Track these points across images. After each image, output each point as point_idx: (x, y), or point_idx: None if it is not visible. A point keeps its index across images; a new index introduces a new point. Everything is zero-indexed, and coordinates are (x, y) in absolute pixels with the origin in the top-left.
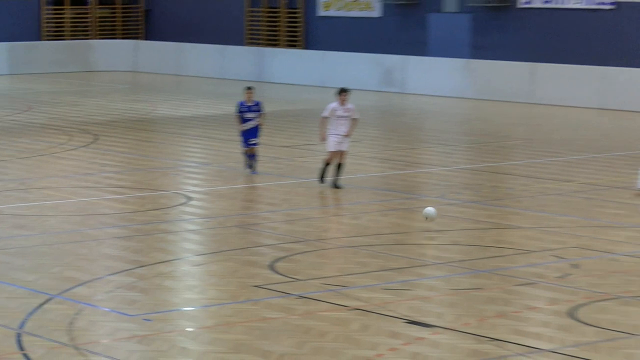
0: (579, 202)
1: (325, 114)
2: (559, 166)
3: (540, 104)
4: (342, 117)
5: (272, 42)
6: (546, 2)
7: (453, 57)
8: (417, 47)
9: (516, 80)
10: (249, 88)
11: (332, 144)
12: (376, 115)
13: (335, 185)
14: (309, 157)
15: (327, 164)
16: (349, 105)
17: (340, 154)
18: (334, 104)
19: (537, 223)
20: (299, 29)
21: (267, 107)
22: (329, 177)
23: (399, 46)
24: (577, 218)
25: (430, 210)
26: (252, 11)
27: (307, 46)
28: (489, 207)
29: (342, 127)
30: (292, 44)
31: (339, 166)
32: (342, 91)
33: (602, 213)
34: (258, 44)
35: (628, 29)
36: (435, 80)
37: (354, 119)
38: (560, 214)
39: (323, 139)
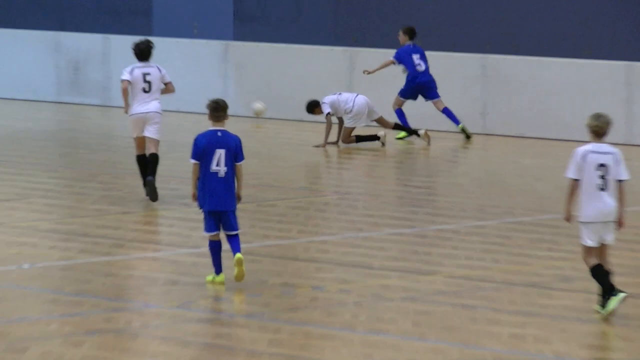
0: (451, 315)
1: (126, 76)
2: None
3: None
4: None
5: None
6: None
7: None
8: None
9: None
10: None
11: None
12: None
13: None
14: None
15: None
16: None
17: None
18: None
19: None
20: None
21: None
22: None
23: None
24: (455, 345)
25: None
26: None
27: None
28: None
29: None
30: None
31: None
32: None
33: (495, 334)
34: None
35: None
36: None
37: (166, 83)
38: (429, 338)
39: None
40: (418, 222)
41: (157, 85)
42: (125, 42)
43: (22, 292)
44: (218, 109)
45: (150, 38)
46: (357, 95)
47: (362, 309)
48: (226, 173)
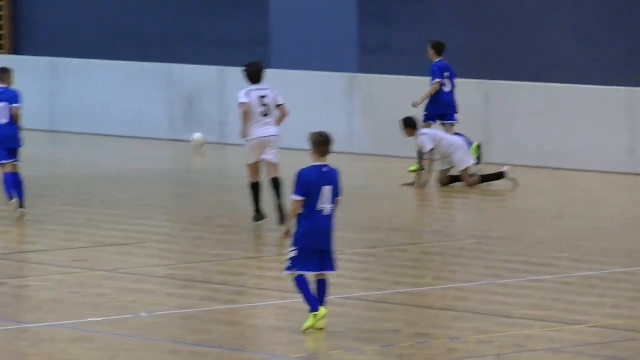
0: None
1: (244, 99)
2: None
3: None
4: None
5: None
6: None
7: None
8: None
9: None
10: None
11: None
12: None
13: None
14: None
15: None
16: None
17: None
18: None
19: None
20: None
21: None
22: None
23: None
24: None
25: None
26: None
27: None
28: None
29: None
30: None
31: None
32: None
33: None
34: None
35: None
36: None
37: (279, 105)
38: None
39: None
40: (560, 268)
41: (273, 108)
42: (243, 75)
43: (140, 342)
44: (325, 143)
45: (269, 70)
46: (456, 137)
47: None
48: (331, 210)
